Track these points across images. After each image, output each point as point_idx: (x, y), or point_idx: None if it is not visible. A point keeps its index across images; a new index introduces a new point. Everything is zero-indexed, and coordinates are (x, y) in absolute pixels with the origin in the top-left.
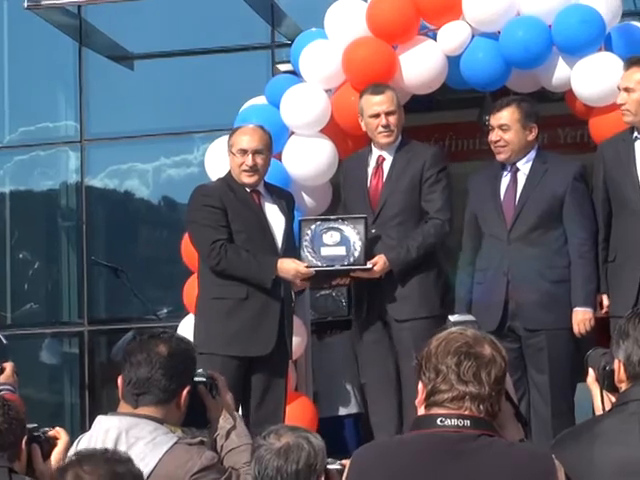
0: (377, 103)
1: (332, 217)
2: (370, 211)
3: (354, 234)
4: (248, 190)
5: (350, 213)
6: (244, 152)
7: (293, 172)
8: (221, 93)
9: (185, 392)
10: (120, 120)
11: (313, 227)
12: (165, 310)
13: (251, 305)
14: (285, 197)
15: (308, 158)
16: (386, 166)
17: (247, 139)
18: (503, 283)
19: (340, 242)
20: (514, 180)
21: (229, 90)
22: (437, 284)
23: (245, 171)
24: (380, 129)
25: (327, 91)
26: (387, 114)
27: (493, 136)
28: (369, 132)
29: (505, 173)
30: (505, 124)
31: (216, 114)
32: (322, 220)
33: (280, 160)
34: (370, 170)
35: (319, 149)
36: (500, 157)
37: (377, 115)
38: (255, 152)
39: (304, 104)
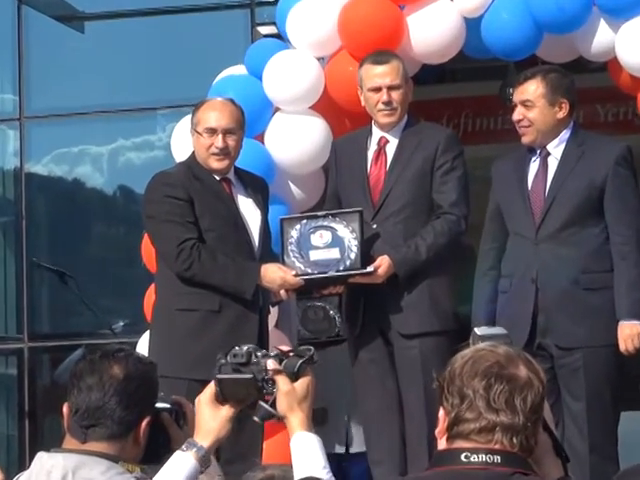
0: (379, 75)
1: (320, 213)
2: (370, 204)
3: (348, 232)
4: (217, 178)
5: (344, 206)
6: (212, 132)
7: (278, 157)
8: (190, 61)
9: (145, 424)
10: (68, 93)
11: (298, 227)
12: (121, 323)
13: (224, 318)
14: (260, 186)
15: (296, 140)
16: (390, 150)
17: (216, 116)
18: (531, 292)
19: (332, 243)
20: (544, 166)
21: (200, 58)
22: (450, 293)
23: (214, 154)
24: (380, 106)
25: (319, 59)
26: (390, 88)
27: (516, 114)
28: (368, 109)
29: (534, 158)
30: (528, 100)
31: (184, 87)
32: (308, 218)
33: (262, 142)
34: (370, 155)
35: (310, 129)
36: (525, 139)
37: (378, 89)
38: (226, 132)
39: (292, 74)
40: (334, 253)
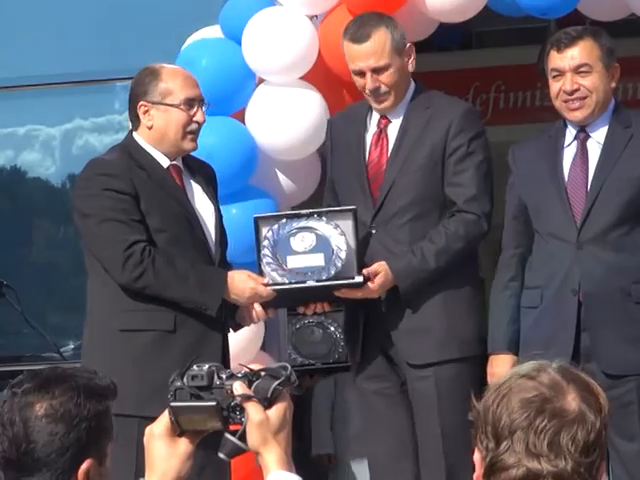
0: (359, 57)
1: (304, 212)
2: (369, 201)
3: (336, 235)
4: (164, 166)
5: (340, 204)
6: (192, 103)
7: (262, 139)
8: (155, 21)
9: (85, 467)
10: (10, 62)
11: (276, 227)
12: (72, 344)
13: (181, 340)
14: (210, 175)
15: (284, 118)
16: (392, 132)
17: (193, 83)
18: (572, 306)
19: (316, 248)
20: (583, 153)
21: (166, 16)
22: (471, 309)
23: (192, 133)
24: (368, 92)
25: (312, 18)
26: (375, 71)
27: (568, 84)
28: (359, 90)
29: (568, 142)
30: (585, 64)
31: (148, 52)
32: (289, 217)
33: (243, 121)
34: (369, 137)
35: (301, 104)
36: (578, 115)
37: (361, 73)
38: (202, 103)
39: (278, 37)
40: (317, 260)
